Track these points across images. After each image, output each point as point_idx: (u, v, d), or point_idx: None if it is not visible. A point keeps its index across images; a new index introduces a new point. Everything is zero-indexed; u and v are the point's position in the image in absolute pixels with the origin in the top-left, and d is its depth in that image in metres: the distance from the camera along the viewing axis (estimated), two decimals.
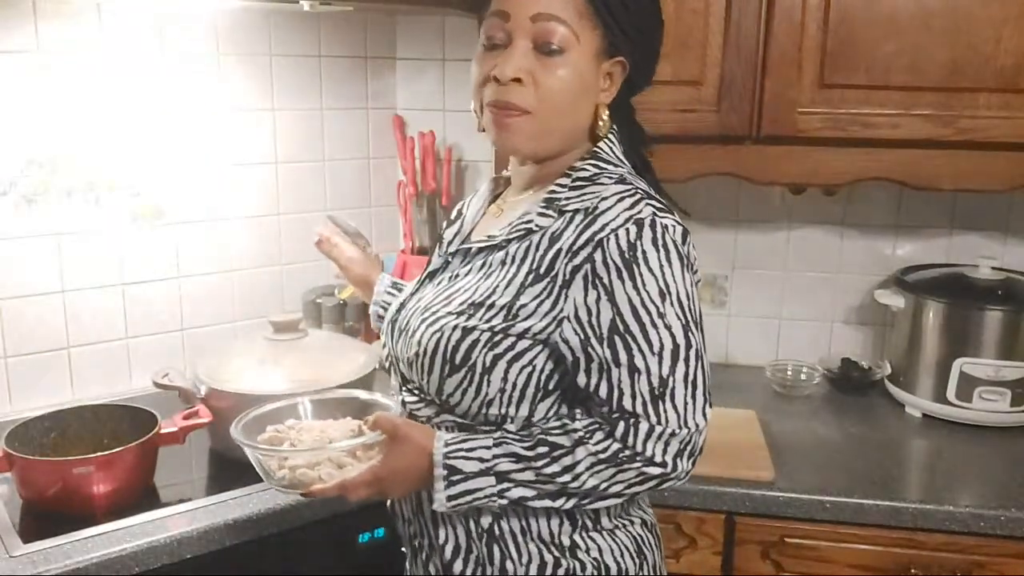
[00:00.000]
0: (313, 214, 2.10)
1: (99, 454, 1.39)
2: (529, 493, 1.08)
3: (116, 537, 1.32)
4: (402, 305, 1.25)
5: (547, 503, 1.09)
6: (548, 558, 1.13)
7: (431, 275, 1.25)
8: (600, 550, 1.15)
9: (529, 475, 1.07)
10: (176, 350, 1.97)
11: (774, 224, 2.11)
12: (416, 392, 1.19)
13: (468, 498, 1.08)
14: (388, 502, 1.29)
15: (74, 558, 1.27)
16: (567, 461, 1.06)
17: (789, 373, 2.07)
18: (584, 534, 1.15)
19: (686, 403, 1.05)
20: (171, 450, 1.52)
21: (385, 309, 1.47)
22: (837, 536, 1.54)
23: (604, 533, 1.16)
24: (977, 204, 2.00)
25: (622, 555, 1.16)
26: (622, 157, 1.18)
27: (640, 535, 1.20)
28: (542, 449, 1.07)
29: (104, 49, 1.76)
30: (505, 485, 1.08)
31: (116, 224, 1.84)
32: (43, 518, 1.38)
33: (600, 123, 1.16)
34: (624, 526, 1.18)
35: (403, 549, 1.28)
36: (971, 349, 1.80)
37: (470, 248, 1.20)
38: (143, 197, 1.86)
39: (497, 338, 1.09)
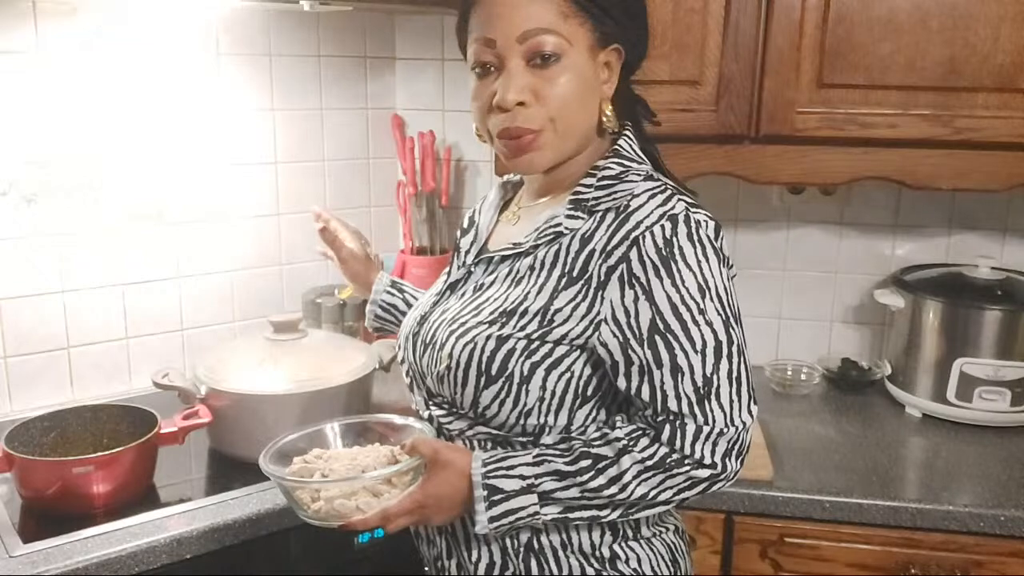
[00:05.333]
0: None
1: (99, 454, 1.39)
2: (574, 513, 1.06)
3: (116, 537, 1.32)
4: (423, 319, 1.19)
5: (592, 514, 1.06)
6: (589, 571, 1.10)
7: (452, 286, 1.21)
8: (639, 559, 1.13)
9: (574, 492, 1.04)
10: (176, 350, 1.97)
11: (773, 224, 2.11)
12: (446, 406, 1.15)
13: (511, 518, 1.05)
14: None
15: (74, 558, 1.27)
16: (612, 472, 1.03)
17: (789, 373, 2.07)
18: (624, 544, 1.12)
19: (732, 400, 1.03)
20: (171, 450, 1.52)
21: (384, 309, 1.45)
22: (836, 535, 1.54)
23: (642, 542, 1.14)
24: (976, 204, 2.00)
25: (658, 563, 1.14)
26: (641, 153, 1.14)
27: (673, 542, 1.18)
28: (585, 463, 1.04)
29: (104, 49, 1.77)
30: (549, 504, 1.05)
31: (116, 224, 1.84)
32: (43, 518, 1.38)
33: (604, 118, 1.12)
34: (660, 533, 1.16)
35: (426, 569, 1.25)
36: (971, 349, 1.80)
37: (492, 256, 1.16)
38: (143, 197, 1.87)
39: (534, 345, 1.06)
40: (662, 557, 1.15)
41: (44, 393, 1.79)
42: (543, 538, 1.11)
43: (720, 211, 2.15)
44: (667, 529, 1.18)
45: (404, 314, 1.44)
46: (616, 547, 1.12)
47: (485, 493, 1.04)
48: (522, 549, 1.11)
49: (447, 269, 1.26)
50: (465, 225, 1.28)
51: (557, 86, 1.06)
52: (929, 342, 1.86)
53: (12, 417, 1.62)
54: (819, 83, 1.68)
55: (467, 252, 1.23)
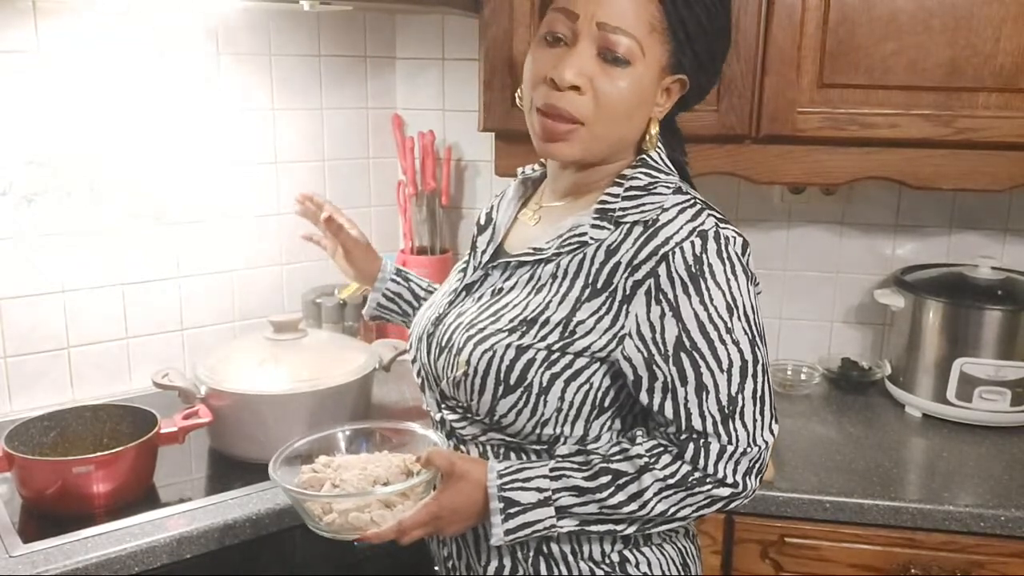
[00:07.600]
0: None
1: (99, 454, 1.39)
2: (591, 527, 1.06)
3: (116, 537, 1.32)
4: (439, 319, 1.17)
5: (609, 528, 1.06)
6: (599, 572, 1.10)
7: (468, 287, 1.18)
8: (649, 564, 1.13)
9: (593, 508, 1.04)
10: (176, 350, 1.97)
11: (774, 224, 2.11)
12: (459, 410, 1.14)
13: (527, 530, 1.05)
14: None
15: (74, 558, 1.27)
16: (633, 489, 1.03)
17: (789, 373, 2.07)
18: (635, 550, 1.12)
19: (755, 420, 1.03)
20: (171, 450, 1.52)
21: (388, 297, 1.44)
22: (837, 536, 1.54)
23: (653, 547, 1.14)
24: (977, 204, 2.00)
25: (668, 567, 1.14)
26: (671, 164, 1.13)
27: (685, 547, 1.18)
28: (604, 479, 1.03)
29: (104, 49, 1.76)
30: (566, 518, 1.05)
31: (116, 224, 1.84)
32: (43, 518, 1.38)
33: (648, 137, 1.11)
34: (671, 538, 1.16)
35: (435, 568, 1.25)
36: (971, 349, 1.80)
37: (511, 261, 1.14)
38: (143, 197, 1.86)
39: (554, 356, 1.05)
40: (672, 561, 1.15)
41: (44, 393, 1.79)
42: (553, 545, 1.11)
43: (721, 211, 2.16)
44: (677, 533, 1.17)
45: (408, 303, 1.43)
46: (627, 552, 1.12)
47: (501, 506, 1.04)
48: (532, 553, 1.11)
49: (461, 267, 1.24)
50: (482, 221, 1.25)
51: (615, 88, 1.04)
52: (929, 342, 1.86)
53: (12, 417, 1.62)
54: (820, 83, 1.67)
55: (483, 252, 1.21)
